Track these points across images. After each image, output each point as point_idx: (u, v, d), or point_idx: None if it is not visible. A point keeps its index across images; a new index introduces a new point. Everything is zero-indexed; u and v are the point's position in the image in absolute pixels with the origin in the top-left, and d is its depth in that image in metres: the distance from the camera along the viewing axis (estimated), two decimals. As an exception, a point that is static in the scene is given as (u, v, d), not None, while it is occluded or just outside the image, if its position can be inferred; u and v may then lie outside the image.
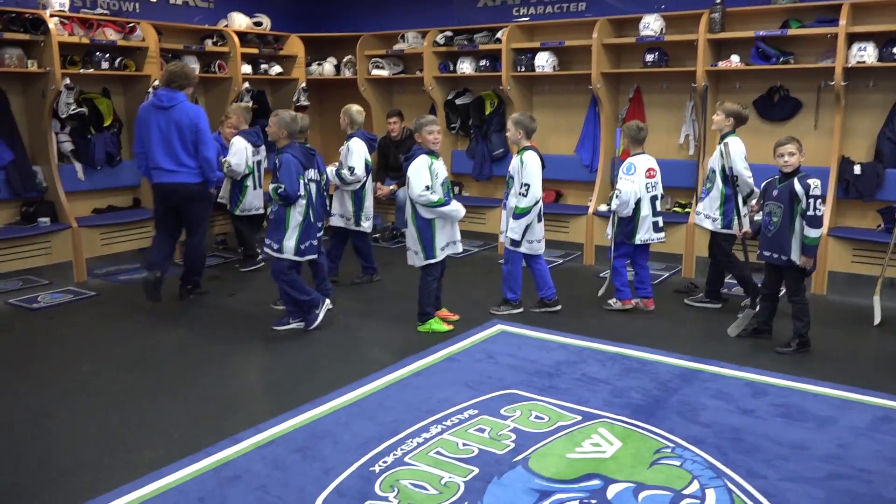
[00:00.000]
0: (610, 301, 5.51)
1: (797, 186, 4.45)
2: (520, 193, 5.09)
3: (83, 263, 6.47)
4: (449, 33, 7.95)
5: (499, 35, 7.54)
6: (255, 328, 5.15)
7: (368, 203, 6.06)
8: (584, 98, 7.34)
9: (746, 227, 4.97)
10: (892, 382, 4.09)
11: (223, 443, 3.42)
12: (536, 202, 5.11)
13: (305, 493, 2.98)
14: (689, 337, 4.88)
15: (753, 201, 5.12)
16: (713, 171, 5.34)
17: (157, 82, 6.92)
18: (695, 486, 3.03)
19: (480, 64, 7.79)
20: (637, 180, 5.24)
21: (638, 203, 5.25)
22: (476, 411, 3.75)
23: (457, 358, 4.53)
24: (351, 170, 5.80)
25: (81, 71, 6.61)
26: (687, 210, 6.73)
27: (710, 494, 2.98)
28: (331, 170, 5.77)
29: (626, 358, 4.51)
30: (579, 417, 3.68)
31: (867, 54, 5.79)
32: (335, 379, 4.20)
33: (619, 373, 4.27)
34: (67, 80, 6.37)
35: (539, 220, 5.23)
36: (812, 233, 4.44)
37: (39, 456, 3.35)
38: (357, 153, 5.85)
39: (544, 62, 7.30)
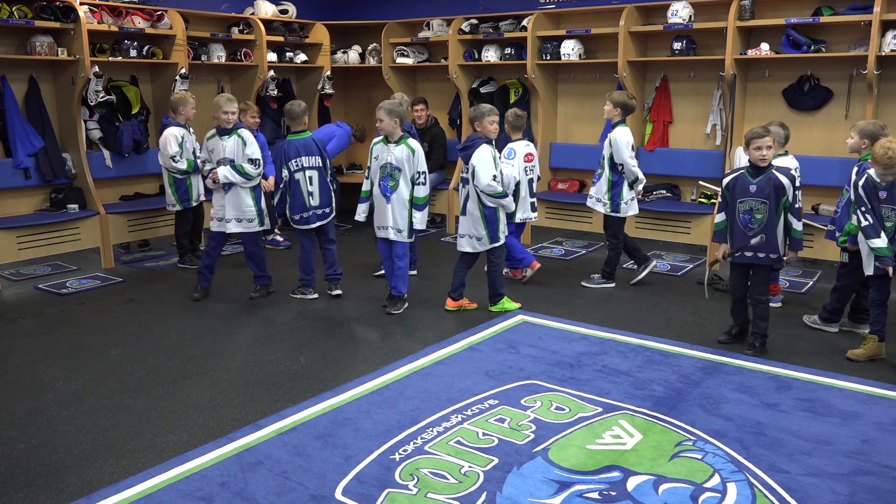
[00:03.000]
0: (526, 272, 5.94)
1: (782, 179, 4.28)
2: (417, 183, 5.05)
3: (111, 250, 6.57)
4: (474, 21, 7.90)
5: (524, 23, 7.48)
6: (278, 317, 5.20)
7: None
8: (609, 87, 7.25)
9: (724, 249, 4.55)
10: (921, 378, 4.02)
11: (246, 429, 3.46)
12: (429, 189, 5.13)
13: (326, 480, 3.02)
14: (713, 330, 4.82)
15: (640, 186, 5.68)
16: (603, 158, 5.65)
17: (183, 70, 7.00)
18: (716, 480, 3.01)
19: (505, 52, 7.74)
20: (517, 164, 5.52)
21: (517, 185, 5.50)
22: (496, 401, 3.76)
23: (478, 347, 4.54)
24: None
25: (110, 59, 6.68)
26: (713, 201, 6.65)
27: (732, 488, 2.96)
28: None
29: (648, 350, 4.48)
30: (600, 409, 3.67)
31: (902, 42, 5.65)
32: (357, 367, 4.24)
33: (641, 365, 4.25)
34: (96, 68, 6.44)
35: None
36: (799, 225, 4.40)
37: (67, 439, 3.42)
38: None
39: (570, 50, 7.23)
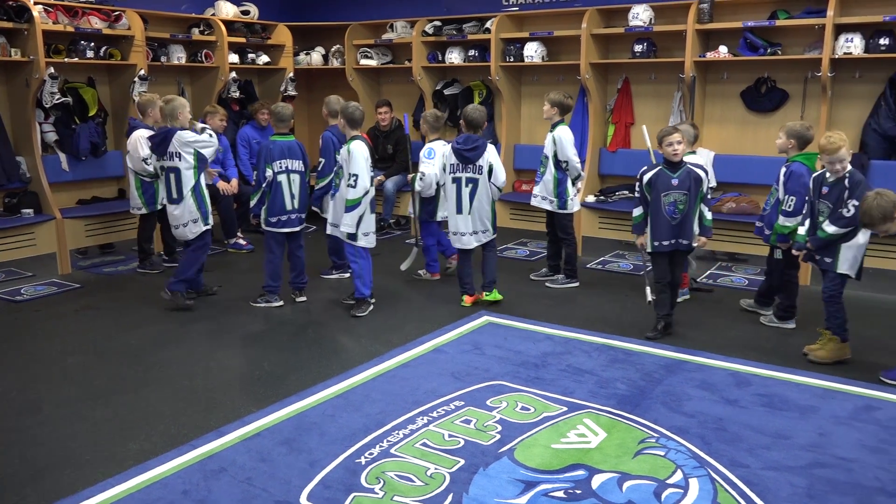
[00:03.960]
0: (420, 272, 6.07)
1: (699, 172, 4.67)
2: (348, 185, 5.07)
3: (67, 255, 6.42)
4: (438, 23, 7.91)
5: (488, 25, 7.51)
6: (240, 321, 5.14)
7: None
8: (572, 89, 7.31)
9: (642, 239, 4.83)
10: (873, 372, 4.12)
11: (208, 435, 3.41)
12: (366, 192, 5.09)
13: (291, 486, 2.99)
14: (677, 328, 4.89)
15: (580, 183, 5.93)
16: (546, 157, 5.76)
17: (142, 71, 6.88)
18: (678, 476, 3.06)
19: (469, 54, 7.77)
20: (437, 163, 5.61)
21: (439, 184, 5.65)
22: (462, 402, 3.76)
23: (444, 349, 4.54)
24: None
25: (66, 60, 6.54)
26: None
27: (694, 484, 3.00)
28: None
29: (611, 349, 4.53)
30: (565, 408, 3.70)
31: (854, 45, 5.80)
32: (322, 371, 4.20)
33: (605, 363, 4.29)
34: (51, 70, 6.29)
35: (371, 212, 5.20)
36: (710, 214, 4.78)
37: (23, 450, 3.34)
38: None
39: (533, 52, 7.29)
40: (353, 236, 5.16)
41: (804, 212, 4.51)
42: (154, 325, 5.05)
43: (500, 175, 5.29)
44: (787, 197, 4.66)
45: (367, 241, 5.21)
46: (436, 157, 5.65)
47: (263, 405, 3.74)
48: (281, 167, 5.25)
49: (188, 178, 5.16)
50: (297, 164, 5.33)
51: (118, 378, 4.15)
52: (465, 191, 5.28)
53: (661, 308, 4.79)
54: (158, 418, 3.63)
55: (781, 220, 4.69)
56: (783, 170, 4.77)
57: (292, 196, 5.30)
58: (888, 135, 5.90)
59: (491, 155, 5.26)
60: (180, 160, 5.13)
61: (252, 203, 5.38)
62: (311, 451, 3.27)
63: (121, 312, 5.31)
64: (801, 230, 4.48)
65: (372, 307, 5.28)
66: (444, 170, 5.38)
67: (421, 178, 5.69)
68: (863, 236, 4.23)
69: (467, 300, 5.40)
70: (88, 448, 3.34)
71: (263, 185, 5.25)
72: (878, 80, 6.00)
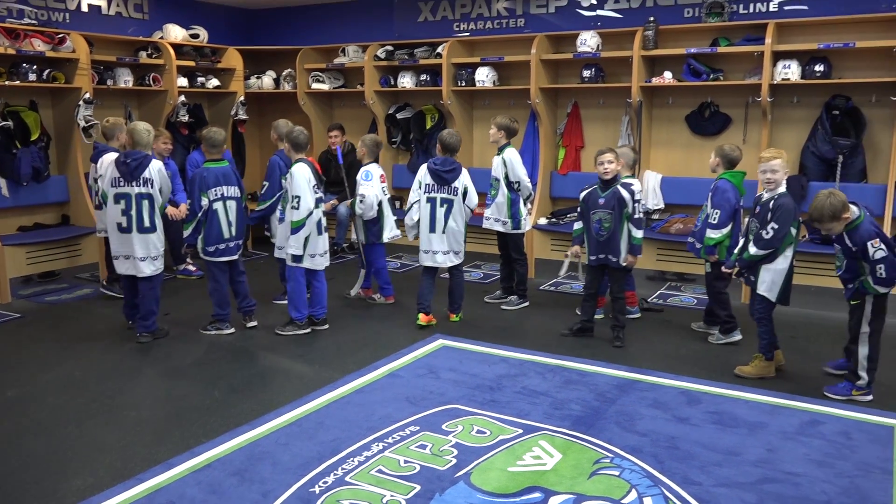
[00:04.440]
0: (374, 296, 6.09)
1: (624, 193, 4.92)
2: (292, 207, 5.09)
3: (7, 284, 6.19)
4: (389, 48, 7.96)
5: (439, 50, 7.59)
6: (188, 349, 5.02)
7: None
8: (523, 113, 7.44)
9: (574, 250, 5.25)
10: (818, 387, 4.24)
11: (156, 468, 3.31)
12: (310, 213, 5.09)
13: (242, 518, 2.91)
14: (630, 348, 4.96)
15: (531, 203, 5.97)
16: (497, 180, 5.86)
17: (87, 94, 6.73)
18: (633, 496, 3.08)
19: (421, 78, 7.83)
20: (376, 185, 5.77)
21: (380, 205, 5.80)
22: (418, 427, 3.73)
23: (398, 374, 4.51)
24: None
25: (7, 83, 6.36)
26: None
27: (648, 503, 3.03)
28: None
29: (565, 370, 4.56)
30: (520, 430, 3.70)
31: (791, 72, 6.04)
32: (274, 398, 4.13)
33: (560, 385, 4.32)
34: (-9, 93, 6.13)
35: (320, 233, 5.21)
36: (638, 234, 4.99)
37: (-42, 488, 3.18)
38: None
39: (484, 77, 7.39)
40: (298, 258, 5.12)
41: (730, 226, 4.79)
42: (99, 354, 4.90)
43: (474, 198, 5.46)
44: (713, 210, 4.88)
45: (313, 262, 5.18)
46: (373, 179, 5.76)
47: (214, 435, 3.65)
48: (217, 195, 5.13)
49: (157, 209, 5.06)
50: (234, 191, 5.22)
51: (61, 410, 4.00)
52: (440, 210, 5.39)
53: (584, 312, 5.22)
54: (104, 452, 3.51)
55: (708, 233, 4.87)
56: (712, 187, 5.01)
57: (229, 223, 5.19)
58: (825, 157, 6.14)
59: (466, 178, 5.42)
60: (152, 187, 4.99)
61: (186, 233, 5.20)
62: (264, 481, 3.19)
63: (63, 343, 5.14)
64: (736, 250, 4.63)
65: (309, 331, 5.28)
66: (420, 188, 5.45)
67: (361, 201, 5.73)
68: (783, 261, 4.35)
69: (423, 319, 5.39)
70: (29, 485, 3.20)
71: (200, 214, 5.12)
72: (815, 105, 6.25)
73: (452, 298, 5.59)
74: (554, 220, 7.16)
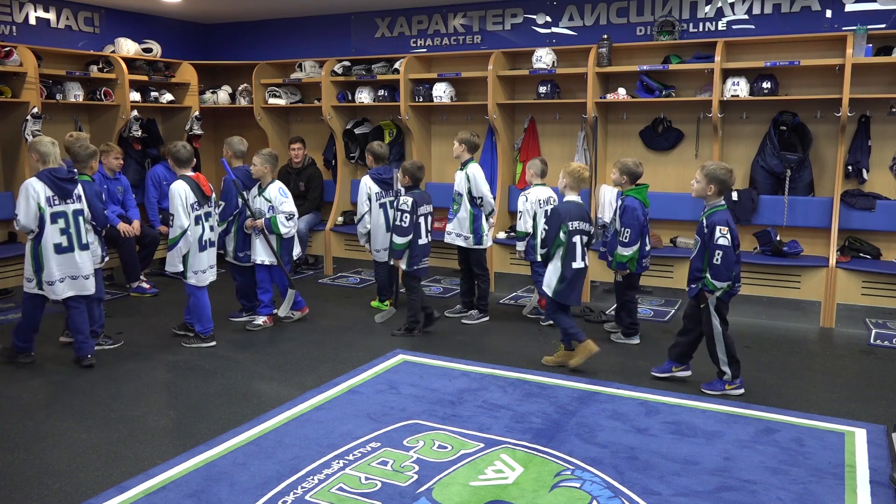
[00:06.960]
0: (292, 313, 5.99)
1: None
2: (169, 225, 5.16)
3: (-49, 303, 5.98)
4: (347, 63, 7.95)
5: (396, 65, 7.61)
6: (143, 369, 4.90)
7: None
8: (481, 128, 7.49)
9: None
10: (772, 395, 4.34)
11: (109, 492, 3.21)
12: (184, 232, 5.09)
13: (199, 541, 2.84)
14: (590, 360, 4.99)
15: (493, 219, 6.15)
16: (459, 195, 5.98)
17: (35, 109, 6.56)
18: (594, 507, 3.10)
19: (379, 94, 7.83)
20: (290, 201, 5.80)
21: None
22: (378, 444, 3.70)
23: (359, 390, 4.46)
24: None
25: (-50, 97, 6.18)
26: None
27: (609, 514, 3.05)
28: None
29: (526, 383, 4.58)
30: (482, 444, 3.69)
31: (740, 88, 6.22)
32: (232, 417, 4.05)
33: (520, 398, 4.33)
34: (-67, 107, 5.93)
35: (202, 249, 5.21)
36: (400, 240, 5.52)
37: None
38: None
39: (442, 93, 7.43)
40: (182, 274, 5.18)
41: (639, 243, 5.18)
42: (48, 375, 4.74)
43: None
44: (623, 229, 5.16)
45: (198, 279, 5.20)
46: (290, 198, 5.76)
47: (169, 456, 3.56)
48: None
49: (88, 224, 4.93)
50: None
51: (6, 434, 3.85)
52: (391, 212, 5.89)
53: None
54: (53, 476, 3.39)
55: (620, 250, 5.21)
56: (619, 202, 5.28)
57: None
58: (774, 171, 6.32)
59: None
60: (81, 202, 4.85)
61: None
62: (221, 502, 3.12)
63: (9, 365, 4.95)
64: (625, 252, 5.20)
65: (213, 344, 5.29)
66: (369, 199, 6.01)
67: (289, 219, 5.67)
68: (552, 265, 4.81)
69: (381, 303, 6.18)
70: (-28, 513, 3.08)
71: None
72: (763, 121, 6.44)
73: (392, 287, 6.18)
74: (513, 234, 7.20)
